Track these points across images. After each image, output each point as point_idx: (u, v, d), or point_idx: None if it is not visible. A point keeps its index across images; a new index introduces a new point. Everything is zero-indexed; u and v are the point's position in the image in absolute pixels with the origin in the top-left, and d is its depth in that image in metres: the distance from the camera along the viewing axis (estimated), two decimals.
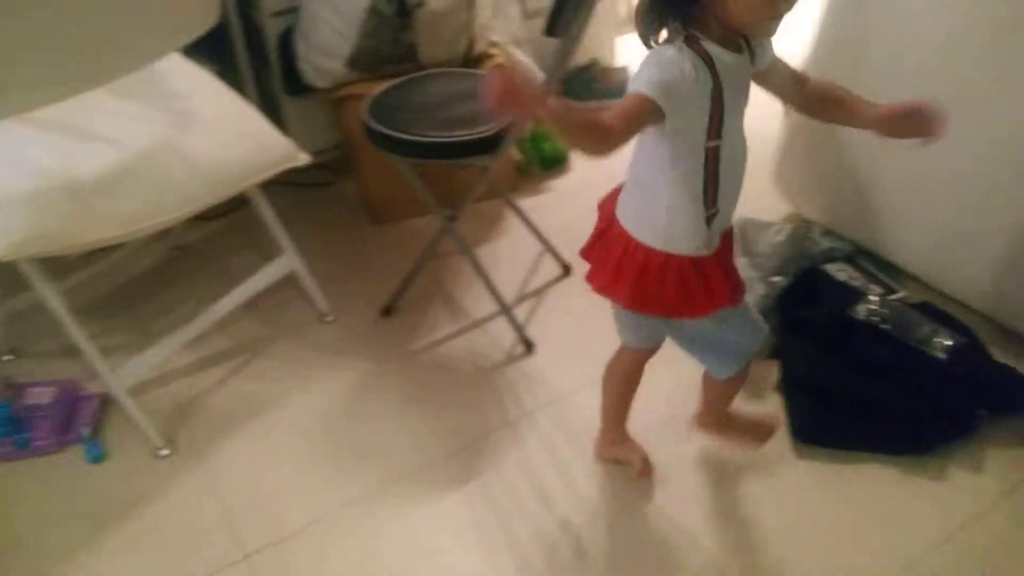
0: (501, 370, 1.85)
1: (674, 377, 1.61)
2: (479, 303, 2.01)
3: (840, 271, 1.93)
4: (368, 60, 2.09)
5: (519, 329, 1.90)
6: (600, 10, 2.32)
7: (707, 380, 1.53)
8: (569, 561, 1.44)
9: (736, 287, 1.31)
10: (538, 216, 2.21)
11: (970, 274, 1.81)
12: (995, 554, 1.42)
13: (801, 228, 2.03)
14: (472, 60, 2.21)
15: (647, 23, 1.08)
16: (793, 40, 2.66)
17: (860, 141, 1.92)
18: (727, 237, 1.29)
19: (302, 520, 1.52)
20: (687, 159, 1.14)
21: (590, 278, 1.34)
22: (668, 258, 1.22)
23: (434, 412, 1.75)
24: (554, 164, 2.52)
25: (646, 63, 1.08)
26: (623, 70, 2.84)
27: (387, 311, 2.01)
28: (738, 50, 1.11)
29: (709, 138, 1.12)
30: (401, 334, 1.96)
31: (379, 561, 1.45)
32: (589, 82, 2.77)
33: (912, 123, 1.17)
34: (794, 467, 1.60)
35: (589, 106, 1.06)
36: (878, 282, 1.92)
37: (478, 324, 1.98)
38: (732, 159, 1.17)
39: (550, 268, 2.13)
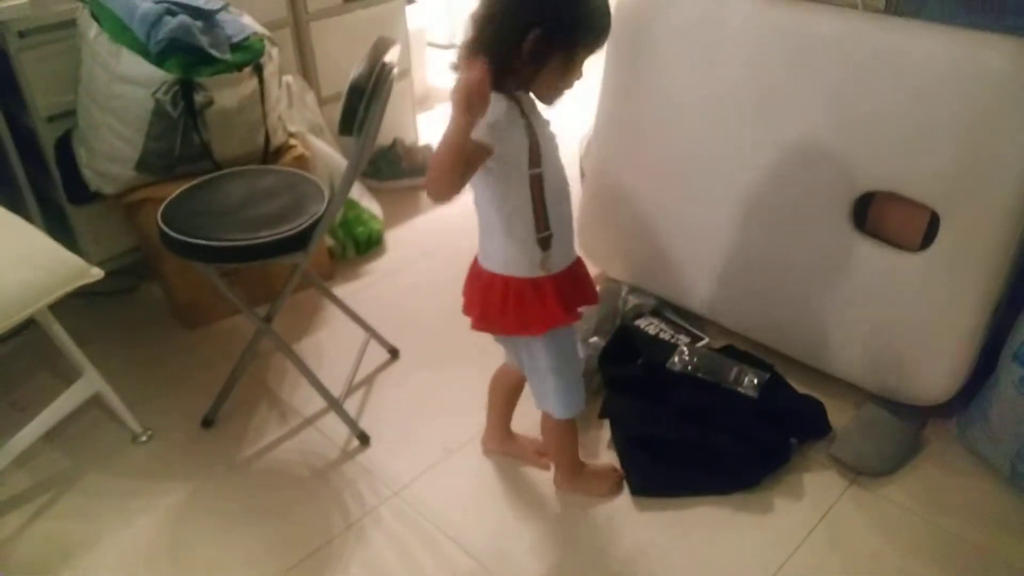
0: (338, 468, 1.79)
1: None
2: (308, 401, 1.95)
3: (650, 325, 2.04)
4: (159, 163, 2.01)
5: (352, 423, 1.85)
6: (398, 91, 2.37)
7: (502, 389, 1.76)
8: None
9: (568, 312, 1.45)
10: (359, 301, 2.18)
11: (755, 314, 1.99)
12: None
13: (610, 288, 2.14)
14: (271, 154, 2.17)
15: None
16: (577, 120, 2.86)
17: (648, 197, 2.07)
18: (578, 266, 1.49)
19: None
20: (515, 189, 1.33)
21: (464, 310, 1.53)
22: (508, 281, 1.41)
23: (270, 524, 1.66)
24: (369, 247, 2.51)
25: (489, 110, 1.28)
26: (426, 148, 2.90)
27: (208, 422, 1.89)
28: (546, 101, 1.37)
29: (531, 166, 1.32)
30: (226, 445, 1.85)
31: None
32: (396, 162, 2.80)
33: None
34: (636, 520, 1.65)
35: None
36: (684, 331, 2.05)
37: (309, 423, 1.91)
38: (556, 184, 1.37)
39: (377, 354, 2.10)
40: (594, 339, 1.98)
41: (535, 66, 1.26)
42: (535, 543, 1.61)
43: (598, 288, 2.10)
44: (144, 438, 1.86)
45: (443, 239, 2.59)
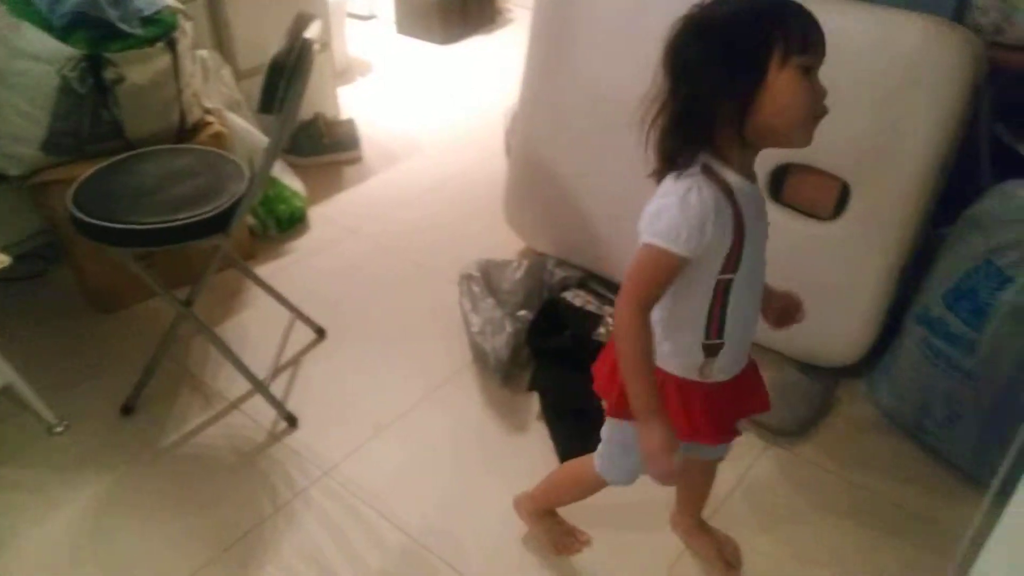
0: (265, 451, 1.77)
1: None
2: (232, 384, 1.91)
3: (576, 297, 2.07)
4: (67, 142, 1.92)
5: (278, 405, 1.83)
6: (317, 64, 2.32)
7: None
8: None
9: (719, 431, 1.22)
10: (283, 281, 2.15)
11: None
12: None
13: (536, 262, 2.16)
14: (187, 131, 2.10)
15: (666, 152, 1.03)
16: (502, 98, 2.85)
17: (572, 173, 2.09)
18: (745, 376, 1.21)
19: None
20: (693, 294, 1.08)
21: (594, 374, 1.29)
22: (655, 371, 1.12)
23: (198, 511, 1.63)
24: (291, 225, 2.46)
25: (665, 208, 1.01)
26: (349, 122, 2.85)
27: (128, 409, 1.84)
28: (752, 177, 1.06)
29: (724, 271, 1.06)
30: (148, 432, 1.81)
31: None
32: (317, 137, 2.75)
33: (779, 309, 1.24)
34: None
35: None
36: (610, 302, 2.09)
37: (234, 406, 1.88)
38: (746, 290, 1.10)
39: (303, 334, 2.08)
40: (522, 312, 2.00)
41: (748, 89, 0.97)
42: (469, 517, 1.63)
43: (525, 263, 2.13)
44: (60, 428, 1.80)
45: (368, 216, 2.56)
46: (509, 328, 1.91)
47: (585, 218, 2.11)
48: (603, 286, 2.17)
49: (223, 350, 1.83)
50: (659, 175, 1.06)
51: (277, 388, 1.90)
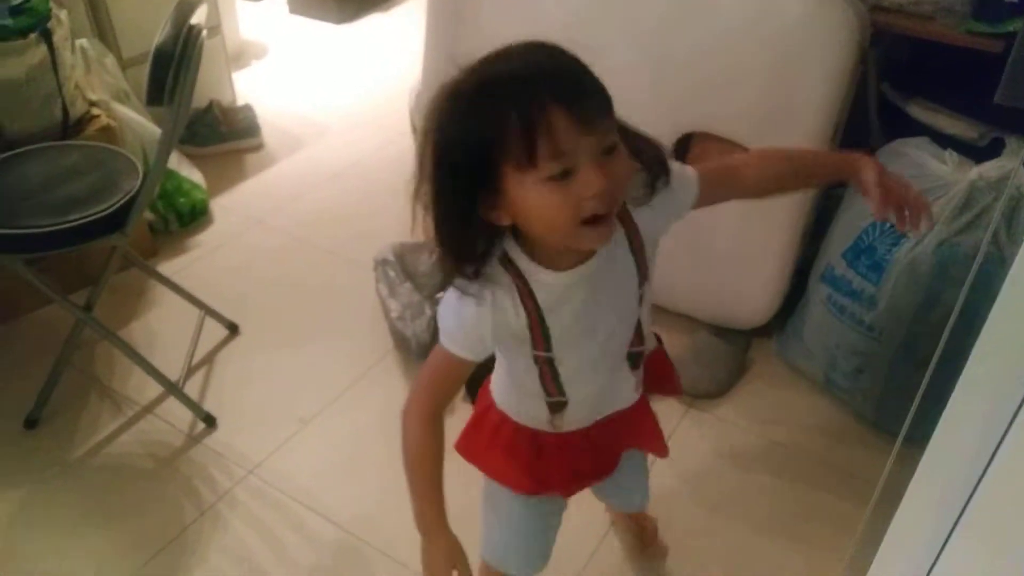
0: (185, 455, 1.71)
1: None
2: (143, 388, 1.83)
3: None
4: None
5: (194, 406, 1.77)
6: (209, 49, 2.23)
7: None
8: None
9: (570, 481, 1.13)
10: (189, 277, 2.07)
11: None
12: None
13: None
14: (72, 127, 1.98)
15: (448, 264, 0.88)
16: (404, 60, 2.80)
17: None
18: (620, 419, 1.10)
19: None
20: (517, 366, 0.99)
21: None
22: (505, 418, 1.08)
23: (117, 522, 1.57)
24: (193, 219, 2.37)
25: (445, 309, 0.92)
26: (246, 108, 2.75)
27: (31, 422, 1.75)
28: (577, 262, 0.90)
29: (537, 350, 0.94)
30: (56, 444, 1.72)
31: None
32: (214, 125, 2.65)
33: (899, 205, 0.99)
34: None
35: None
36: None
37: (147, 411, 1.80)
38: (577, 358, 0.97)
39: (215, 331, 2.01)
40: (441, 295, 1.98)
41: (490, 201, 0.83)
42: (400, 505, 1.61)
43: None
44: None
45: (273, 205, 2.49)
46: (429, 311, 1.89)
47: None
48: None
49: (130, 354, 1.75)
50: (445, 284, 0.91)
51: (192, 389, 1.84)
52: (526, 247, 0.88)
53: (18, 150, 1.72)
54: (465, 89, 0.81)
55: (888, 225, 1.58)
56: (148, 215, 2.25)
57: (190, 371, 1.89)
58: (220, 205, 2.47)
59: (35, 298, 1.99)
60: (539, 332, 0.92)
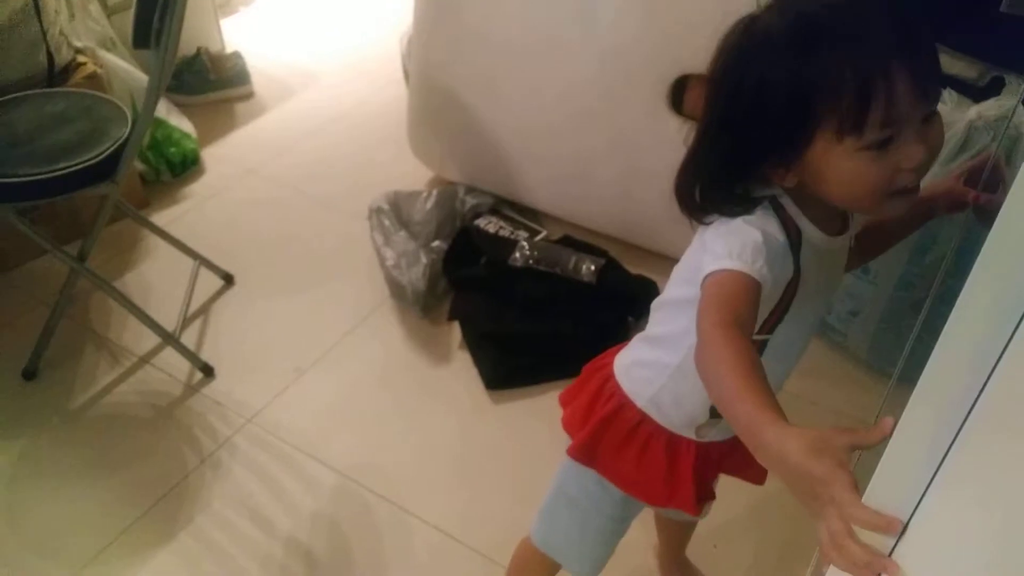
0: (183, 404, 1.72)
1: None
2: (140, 339, 1.83)
3: (489, 224, 2.06)
4: None
5: (191, 356, 1.77)
6: None
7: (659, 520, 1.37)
8: None
9: (698, 497, 1.01)
10: (182, 228, 2.05)
11: (591, 203, 2.05)
12: None
13: (447, 190, 2.13)
14: (58, 74, 1.94)
15: (716, 185, 0.78)
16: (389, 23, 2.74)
17: (475, 99, 2.05)
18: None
19: None
20: None
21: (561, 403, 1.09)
22: (644, 419, 0.97)
23: (117, 471, 1.58)
24: (184, 168, 2.34)
25: (731, 231, 0.77)
26: (235, 55, 2.70)
27: (29, 373, 1.75)
28: (839, 230, 0.83)
29: (759, 331, 0.83)
30: (54, 395, 1.73)
31: None
32: (203, 74, 2.60)
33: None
34: (492, 413, 1.71)
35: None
36: (523, 227, 2.09)
37: (144, 361, 1.81)
38: (772, 357, 0.87)
39: (211, 282, 2.00)
40: (436, 243, 1.98)
41: (784, 154, 0.74)
42: (399, 450, 1.64)
43: (435, 193, 2.09)
44: None
45: (265, 154, 2.46)
46: (424, 259, 1.89)
47: (491, 141, 2.08)
48: (515, 211, 2.16)
49: (125, 304, 1.75)
50: (697, 216, 0.81)
51: (188, 339, 1.84)
52: (799, 200, 0.78)
53: (3, 98, 1.69)
54: (776, 31, 0.71)
55: None
56: (139, 165, 2.22)
57: (186, 321, 1.88)
58: (211, 154, 2.44)
59: (26, 251, 1.98)
60: (789, 295, 0.81)
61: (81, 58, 2.04)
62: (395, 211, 2.04)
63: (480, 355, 1.81)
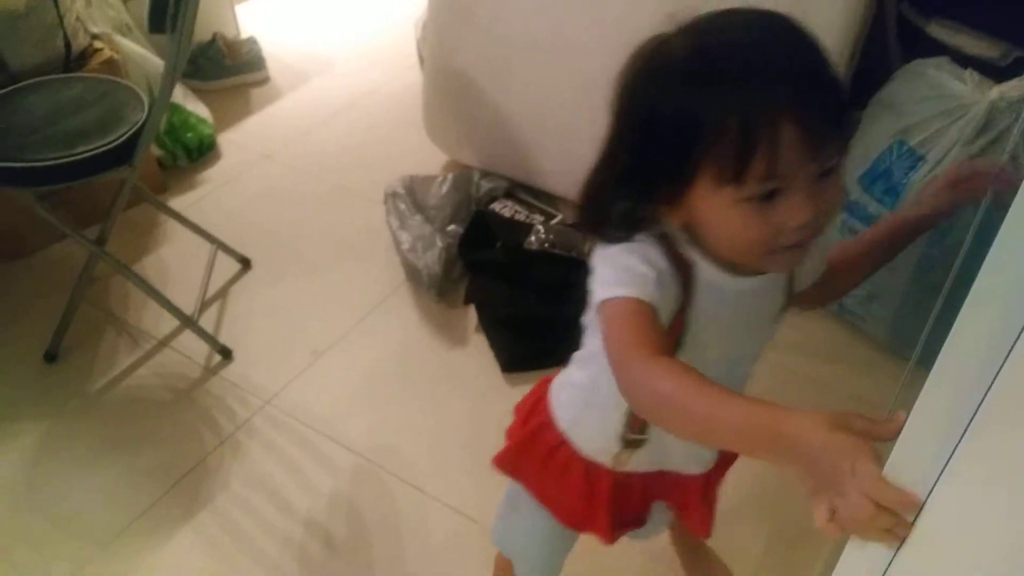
0: (202, 386, 1.74)
1: None
2: (159, 322, 1.85)
3: (504, 208, 2.06)
4: None
5: (210, 338, 1.79)
6: None
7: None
8: (321, 557, 1.43)
9: (616, 526, 0.99)
10: (200, 212, 2.07)
11: None
12: None
13: (462, 175, 2.13)
14: (75, 60, 1.95)
15: (601, 211, 0.75)
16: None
17: (491, 84, 2.04)
18: (682, 485, 0.99)
19: None
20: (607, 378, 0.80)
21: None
22: (563, 442, 0.96)
23: (138, 452, 1.60)
24: (201, 154, 2.35)
25: (612, 257, 0.74)
26: (251, 41, 2.70)
27: (51, 356, 1.77)
28: (754, 270, 0.75)
29: None
30: (76, 378, 1.75)
31: None
32: (218, 59, 2.61)
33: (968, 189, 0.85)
34: (507, 394, 1.71)
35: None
36: (538, 210, 2.09)
37: (163, 344, 1.82)
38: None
39: (228, 266, 2.01)
40: (452, 227, 1.98)
41: (673, 189, 0.70)
42: (415, 432, 1.65)
43: (450, 177, 2.09)
44: None
45: (281, 139, 2.47)
46: (440, 243, 1.89)
47: (506, 125, 2.07)
48: (531, 195, 2.16)
49: (144, 287, 1.76)
50: (589, 231, 0.78)
51: (206, 322, 1.85)
52: (693, 237, 0.74)
53: (21, 84, 1.70)
54: (677, 59, 0.68)
55: (905, 148, 1.55)
56: (156, 151, 2.24)
57: (204, 305, 1.90)
58: (228, 140, 2.45)
59: (44, 236, 2.00)
60: (676, 332, 0.77)
61: (98, 44, 2.04)
62: (411, 195, 2.04)
63: (496, 338, 1.81)
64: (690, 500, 1.02)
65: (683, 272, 0.74)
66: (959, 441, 0.47)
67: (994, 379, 0.44)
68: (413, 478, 1.55)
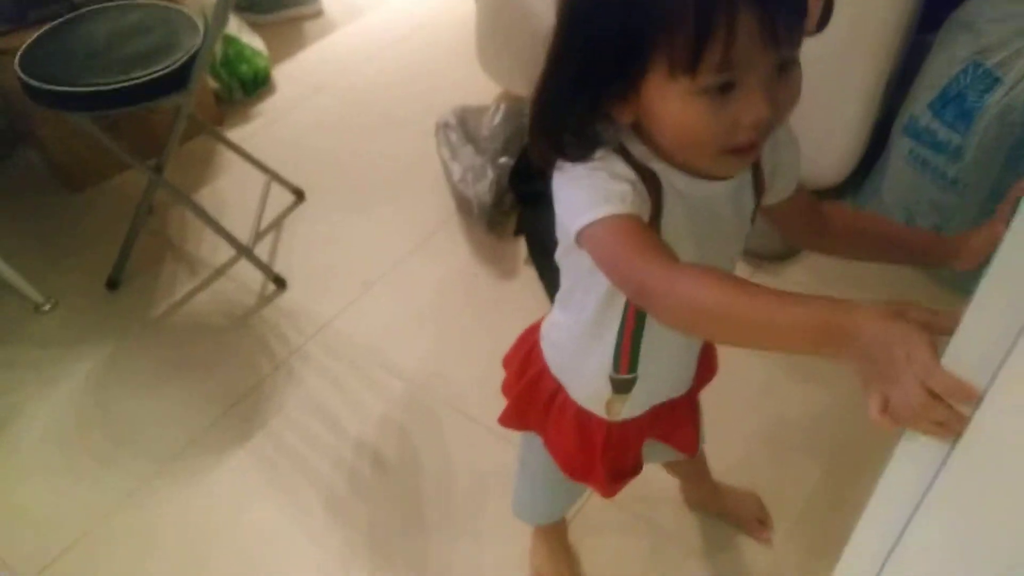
0: (257, 314, 1.77)
1: None
2: (215, 251, 1.89)
3: None
4: (7, 8, 1.80)
5: (265, 268, 1.82)
6: None
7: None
8: (370, 479, 1.46)
9: (614, 479, 0.99)
10: (255, 145, 2.08)
11: None
12: None
13: (515, 106, 2.09)
14: None
15: (553, 125, 0.71)
16: None
17: (546, 8, 1.98)
18: (669, 408, 0.97)
19: (75, 532, 1.39)
20: (597, 310, 0.81)
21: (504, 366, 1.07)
22: (560, 388, 0.94)
23: (197, 375, 1.65)
24: (256, 87, 2.36)
25: (577, 180, 0.70)
26: None
27: (113, 283, 1.82)
28: (708, 174, 0.73)
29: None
30: (137, 304, 1.80)
31: (171, 547, 1.38)
32: None
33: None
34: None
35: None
36: None
37: (220, 273, 1.86)
38: (665, 336, 0.82)
39: (282, 197, 2.03)
40: (503, 159, 1.95)
41: (623, 83, 0.67)
42: (465, 361, 1.65)
43: (503, 108, 2.06)
44: (48, 307, 1.78)
45: (335, 72, 2.46)
46: (491, 174, 1.87)
47: None
48: None
49: (202, 216, 1.79)
50: (546, 161, 0.73)
51: (261, 252, 1.88)
52: (649, 144, 0.71)
53: (82, 10, 1.72)
54: None
55: (981, 70, 1.47)
56: (212, 83, 2.26)
57: (259, 235, 1.92)
58: (282, 73, 2.46)
59: (110, 166, 2.05)
60: None
61: None
62: (462, 126, 2.02)
63: (546, 270, 1.80)
64: (679, 423, 1.01)
65: (648, 183, 0.70)
66: (1020, 333, 0.44)
67: None
68: (463, 406, 1.56)
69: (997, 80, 1.44)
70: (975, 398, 0.46)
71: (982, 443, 0.48)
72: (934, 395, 0.46)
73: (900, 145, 1.65)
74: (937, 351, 0.47)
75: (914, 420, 0.48)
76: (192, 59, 1.56)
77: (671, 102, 0.64)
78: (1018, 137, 1.43)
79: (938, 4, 1.61)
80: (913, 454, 0.53)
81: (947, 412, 0.47)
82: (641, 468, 1.02)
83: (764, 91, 0.62)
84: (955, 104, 1.51)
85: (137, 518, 1.41)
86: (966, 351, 0.49)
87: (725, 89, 0.62)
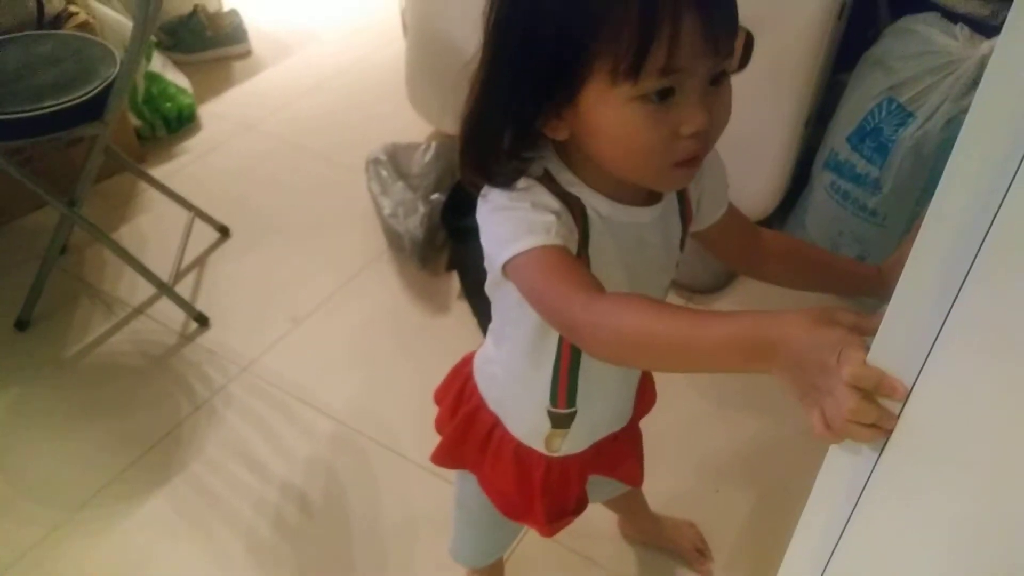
0: (178, 353, 1.69)
1: None
2: (134, 290, 1.81)
3: None
4: None
5: (186, 305, 1.75)
6: None
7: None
8: (297, 522, 1.40)
9: (552, 516, 0.94)
10: (178, 182, 2.02)
11: None
12: None
13: (446, 143, 2.09)
14: (49, 23, 1.91)
15: (478, 149, 0.70)
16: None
17: (472, 46, 2.00)
18: (611, 442, 0.95)
19: None
20: (532, 342, 0.79)
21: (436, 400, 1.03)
22: (497, 423, 0.91)
23: (111, 418, 1.56)
24: (180, 124, 2.30)
25: (500, 210, 0.68)
26: (232, 13, 2.66)
27: (22, 324, 1.72)
28: (646, 200, 0.73)
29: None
30: (48, 345, 1.70)
31: None
32: (200, 31, 2.56)
33: None
34: None
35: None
36: None
37: (139, 311, 1.78)
38: (601, 370, 0.81)
39: (206, 234, 1.97)
40: (435, 196, 1.94)
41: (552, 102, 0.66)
42: (395, 398, 1.61)
43: (434, 145, 2.05)
44: None
45: (263, 110, 2.42)
46: (422, 209, 1.85)
47: None
48: None
49: (120, 253, 1.72)
50: (474, 186, 0.72)
51: (183, 290, 1.81)
52: (576, 170, 0.70)
53: None
54: None
55: (895, 105, 1.52)
56: (134, 121, 2.19)
57: (181, 273, 1.86)
58: (208, 112, 2.41)
59: (21, 204, 1.96)
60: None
61: (73, 8, 2.00)
62: (393, 163, 2.00)
63: (479, 305, 1.78)
64: (622, 456, 1.00)
65: (574, 211, 0.69)
66: (947, 314, 0.43)
67: (978, 250, 0.41)
68: (394, 444, 1.51)
69: (910, 115, 1.49)
70: (904, 393, 0.45)
71: (912, 440, 0.47)
72: (865, 396, 0.45)
73: (822, 178, 1.69)
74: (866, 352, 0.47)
75: (849, 428, 0.46)
76: (108, 88, 1.51)
77: (611, 110, 0.63)
78: (932, 168, 1.48)
79: (852, 45, 1.68)
80: (844, 458, 0.52)
81: (879, 412, 0.46)
82: (586, 506, 0.99)
83: (700, 101, 0.63)
84: (872, 137, 1.56)
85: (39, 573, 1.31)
86: (890, 348, 0.48)
87: (664, 95, 0.62)
